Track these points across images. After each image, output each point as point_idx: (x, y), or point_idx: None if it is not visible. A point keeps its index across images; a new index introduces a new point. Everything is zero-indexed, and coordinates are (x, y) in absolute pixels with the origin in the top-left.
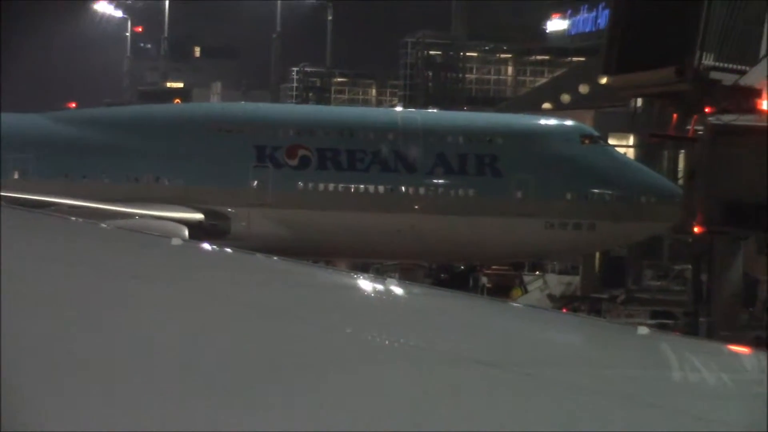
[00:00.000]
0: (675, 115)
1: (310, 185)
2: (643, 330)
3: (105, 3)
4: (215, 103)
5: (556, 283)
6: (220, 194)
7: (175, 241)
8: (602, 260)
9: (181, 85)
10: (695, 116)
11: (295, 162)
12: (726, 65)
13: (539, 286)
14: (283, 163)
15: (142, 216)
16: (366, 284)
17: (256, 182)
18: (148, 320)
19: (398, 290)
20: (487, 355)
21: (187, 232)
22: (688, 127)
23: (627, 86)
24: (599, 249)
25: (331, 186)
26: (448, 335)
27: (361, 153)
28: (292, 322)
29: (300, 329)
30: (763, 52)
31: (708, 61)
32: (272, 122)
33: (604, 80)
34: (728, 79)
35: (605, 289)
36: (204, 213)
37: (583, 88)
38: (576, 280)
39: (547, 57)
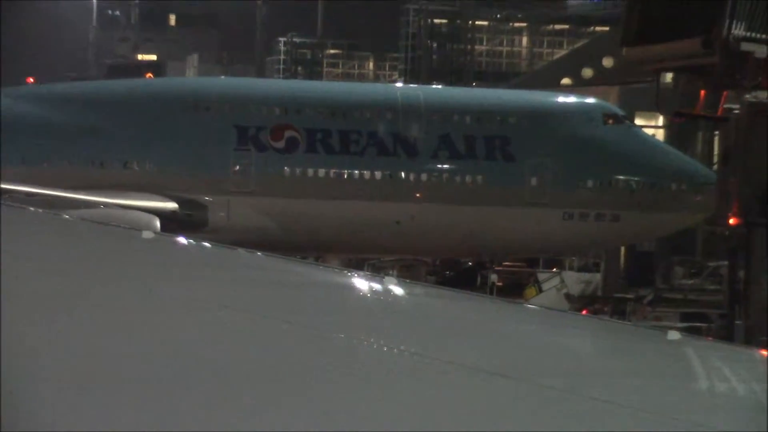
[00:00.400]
0: (702, 92)
1: (298, 171)
2: (673, 335)
3: None
4: (191, 77)
5: (575, 281)
6: (195, 181)
7: (146, 234)
8: (627, 256)
9: (154, 57)
10: (725, 93)
11: (281, 144)
12: (759, 35)
13: (556, 284)
14: (267, 145)
15: (107, 205)
16: (361, 283)
17: (236, 167)
18: (116, 323)
19: (397, 290)
20: (497, 364)
21: (158, 224)
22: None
23: (648, 59)
24: (624, 243)
25: (321, 171)
26: (453, 341)
27: (356, 134)
28: (277, 326)
29: (287, 334)
30: None
31: (738, 30)
32: (255, 99)
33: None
34: (762, 51)
35: (630, 288)
36: (178, 202)
37: (608, 62)
38: (597, 278)
39: (566, 26)
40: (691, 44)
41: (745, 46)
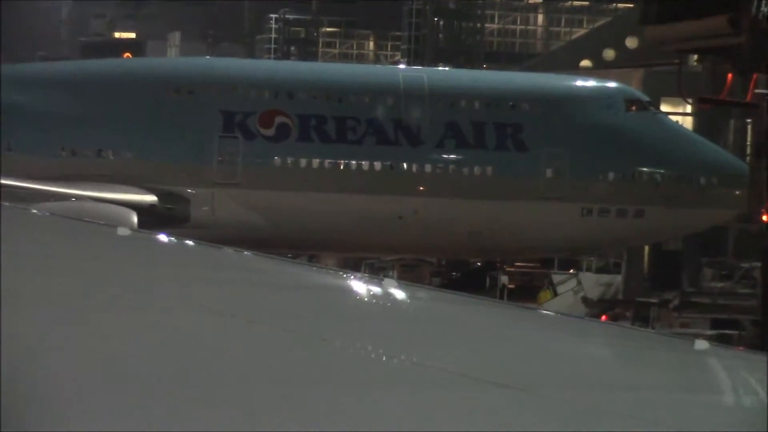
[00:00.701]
0: (729, 75)
1: (290, 161)
2: (701, 344)
3: None
4: (173, 58)
5: (593, 283)
6: (177, 171)
7: (122, 231)
8: (652, 256)
9: (132, 35)
10: (755, 76)
11: (271, 132)
12: None
13: (572, 287)
14: (256, 132)
15: (79, 198)
16: (359, 286)
17: (222, 157)
18: (87, 328)
19: (399, 293)
20: (507, 375)
21: (136, 219)
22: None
23: (669, 39)
24: (648, 242)
25: (315, 162)
26: (459, 350)
27: (354, 121)
28: (268, 333)
29: (278, 341)
30: None
31: None
32: (243, 82)
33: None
34: None
35: (654, 291)
36: (157, 195)
37: (631, 42)
38: (617, 280)
39: (586, 2)
40: (716, 22)
41: None
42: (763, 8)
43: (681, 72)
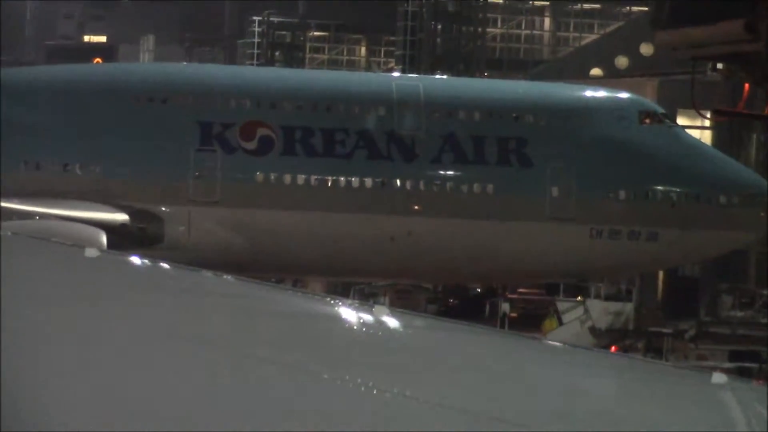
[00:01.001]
0: (747, 85)
1: (273, 176)
2: (719, 377)
3: None
4: (145, 63)
5: (602, 312)
6: (150, 188)
7: (90, 252)
8: (667, 282)
9: (103, 39)
10: None
11: (252, 145)
12: None
13: (579, 316)
14: (236, 145)
15: (43, 216)
16: (348, 313)
17: (199, 172)
18: (54, 355)
19: (392, 322)
20: (510, 411)
21: (105, 239)
22: None
23: (681, 45)
24: (663, 266)
25: (301, 178)
26: (456, 383)
27: (342, 133)
28: (249, 364)
29: (260, 373)
30: None
31: None
32: (222, 90)
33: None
34: None
35: (669, 321)
36: (129, 213)
37: (646, 48)
38: (628, 308)
39: (597, 6)
40: (732, 27)
41: None
42: None
43: (694, 81)
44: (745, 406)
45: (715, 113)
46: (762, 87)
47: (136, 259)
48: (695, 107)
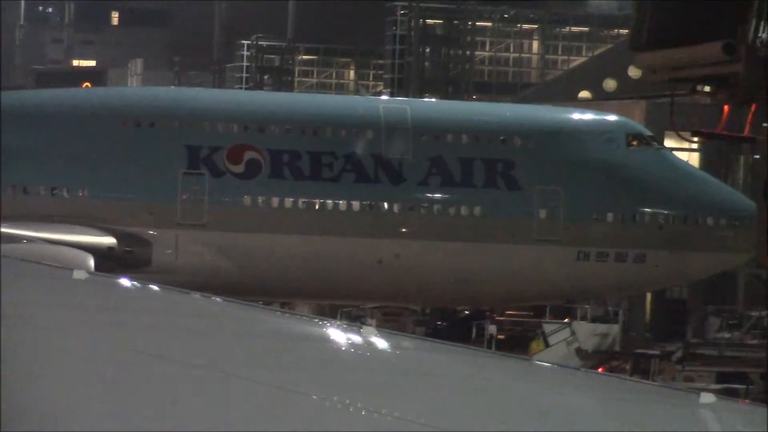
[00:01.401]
0: (726, 107)
1: (261, 200)
2: (707, 397)
3: None
4: (133, 87)
5: (588, 333)
6: (137, 211)
7: (78, 274)
8: (655, 304)
9: (92, 63)
10: (753, 107)
11: (240, 168)
12: None
13: (565, 338)
14: (223, 169)
15: (31, 239)
16: (336, 334)
17: (186, 195)
18: (41, 377)
19: (380, 342)
20: (493, 429)
21: (92, 263)
22: None
23: (660, 66)
24: (650, 288)
25: (288, 201)
26: (448, 405)
27: (330, 157)
28: (239, 385)
29: (250, 393)
30: None
31: (767, 33)
32: (210, 114)
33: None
34: None
35: (657, 342)
36: (116, 236)
37: (634, 71)
38: (615, 330)
39: (586, 29)
40: (711, 49)
41: None
42: (761, 34)
43: (674, 103)
44: (732, 425)
45: (694, 134)
46: (741, 108)
47: (124, 281)
48: (675, 129)
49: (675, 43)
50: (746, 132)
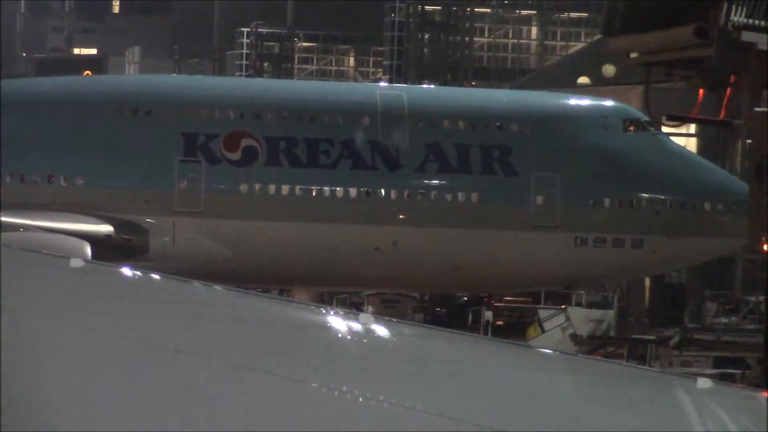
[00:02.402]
0: (701, 91)
1: (258, 187)
2: (704, 382)
3: None
4: (130, 75)
5: (583, 319)
6: (134, 199)
7: (75, 262)
8: (653, 289)
9: (93, 51)
10: (728, 91)
11: (236, 155)
12: (763, 23)
13: (560, 323)
14: (220, 156)
15: (27, 228)
16: (335, 322)
17: (183, 183)
18: (40, 367)
19: (380, 330)
20: (500, 418)
21: (89, 251)
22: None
23: (632, 50)
24: (648, 273)
25: (285, 188)
26: (446, 391)
27: (327, 143)
28: (239, 374)
29: (249, 381)
30: None
31: (739, 17)
32: (207, 101)
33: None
34: (764, 42)
35: (654, 328)
36: (113, 224)
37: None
38: (610, 315)
39: (584, 14)
40: (683, 33)
41: (746, 36)
42: (733, 18)
43: (647, 87)
44: (730, 410)
45: (669, 118)
46: (715, 92)
47: (122, 270)
48: (650, 114)
49: (647, 28)
50: (722, 116)
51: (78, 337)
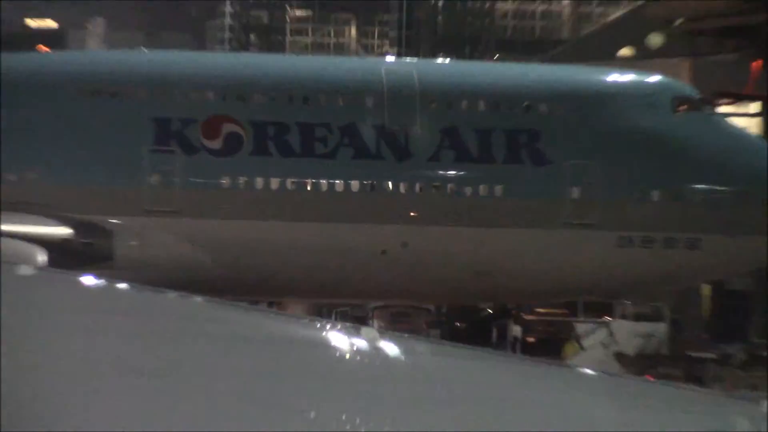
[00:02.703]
0: (754, 64)
1: (242, 181)
2: None
3: None
4: (92, 51)
5: (629, 334)
6: (96, 196)
7: (24, 270)
8: (712, 298)
9: (53, 24)
10: None
11: (217, 144)
12: None
13: (602, 339)
14: (198, 145)
15: None
16: (333, 338)
17: (154, 177)
18: None
19: (388, 348)
20: None
21: (43, 258)
22: None
23: (674, 17)
24: (706, 279)
25: (274, 182)
26: (470, 421)
27: (324, 129)
28: (221, 400)
29: (232, 405)
30: None
31: None
32: (181, 81)
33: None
34: None
35: (714, 344)
36: (72, 226)
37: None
38: (661, 329)
39: None
40: None
41: None
42: None
43: (693, 57)
44: None
45: (718, 95)
46: None
47: (82, 278)
48: (696, 88)
49: None
50: None
51: (23, 352)
